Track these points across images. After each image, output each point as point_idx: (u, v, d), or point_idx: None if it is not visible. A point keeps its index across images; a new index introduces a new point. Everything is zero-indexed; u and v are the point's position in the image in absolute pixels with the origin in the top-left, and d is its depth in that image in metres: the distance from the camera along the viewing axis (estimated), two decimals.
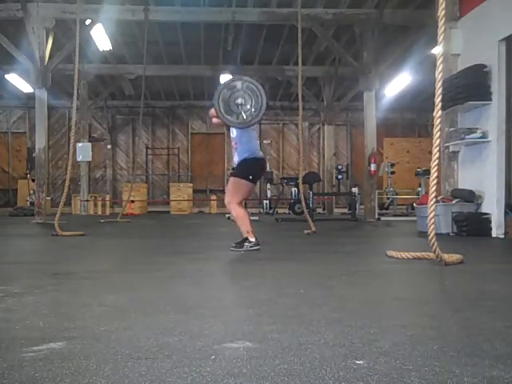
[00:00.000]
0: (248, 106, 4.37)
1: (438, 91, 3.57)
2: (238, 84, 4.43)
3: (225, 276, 3.50)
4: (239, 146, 4.77)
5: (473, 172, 6.80)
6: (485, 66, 6.32)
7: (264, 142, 16.52)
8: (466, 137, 6.59)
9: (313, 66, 14.00)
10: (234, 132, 4.79)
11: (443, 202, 6.76)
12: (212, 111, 4.75)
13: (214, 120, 4.81)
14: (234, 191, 4.83)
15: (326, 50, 12.75)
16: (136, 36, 11.79)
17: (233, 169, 5.02)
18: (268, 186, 15.18)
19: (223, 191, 18.16)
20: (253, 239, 4.71)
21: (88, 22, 10.16)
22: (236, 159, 4.85)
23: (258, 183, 17.57)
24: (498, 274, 3.52)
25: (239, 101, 4.38)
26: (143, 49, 10.60)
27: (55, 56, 10.46)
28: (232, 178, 4.88)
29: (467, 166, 6.95)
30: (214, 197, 17.08)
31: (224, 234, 7.53)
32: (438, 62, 3.60)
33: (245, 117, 4.37)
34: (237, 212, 4.78)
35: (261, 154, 4.90)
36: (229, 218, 11.55)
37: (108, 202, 15.71)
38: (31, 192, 14.29)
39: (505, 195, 6.44)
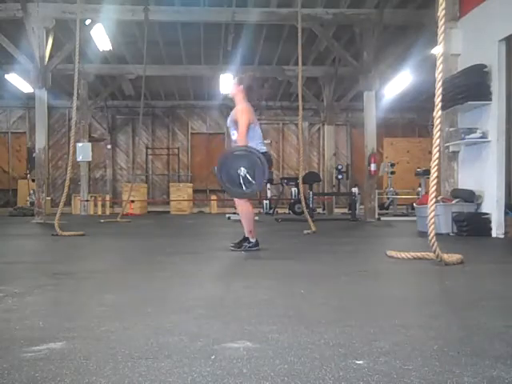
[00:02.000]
0: (249, 177, 4.34)
1: (438, 91, 3.58)
2: (241, 154, 4.41)
3: (225, 276, 3.50)
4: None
5: (473, 172, 6.80)
6: (485, 66, 6.32)
7: (264, 141, 16.50)
8: (466, 137, 6.59)
9: (313, 66, 14.00)
10: (234, 134, 4.77)
11: (443, 201, 6.76)
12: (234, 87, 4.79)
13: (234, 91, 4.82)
14: None
15: (326, 50, 12.75)
16: (136, 36, 11.79)
17: None
18: (268, 186, 15.17)
19: (223, 191, 18.20)
20: (253, 240, 4.72)
21: (88, 22, 10.16)
22: None
23: None
24: (498, 273, 3.52)
25: (242, 172, 4.35)
26: (143, 49, 10.60)
27: (55, 56, 10.46)
28: None
29: (467, 166, 6.95)
30: (214, 197, 17.08)
31: (224, 233, 7.53)
32: (438, 62, 3.60)
33: (244, 188, 4.35)
34: (242, 208, 4.76)
35: (264, 148, 4.83)
36: (229, 217, 11.56)
37: (108, 202, 15.71)
38: (31, 192, 14.29)
39: (505, 195, 6.44)
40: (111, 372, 1.43)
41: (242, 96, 4.80)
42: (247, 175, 4.31)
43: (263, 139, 4.99)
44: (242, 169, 4.33)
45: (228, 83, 4.79)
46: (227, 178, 4.39)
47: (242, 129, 4.62)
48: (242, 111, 4.71)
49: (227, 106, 18.37)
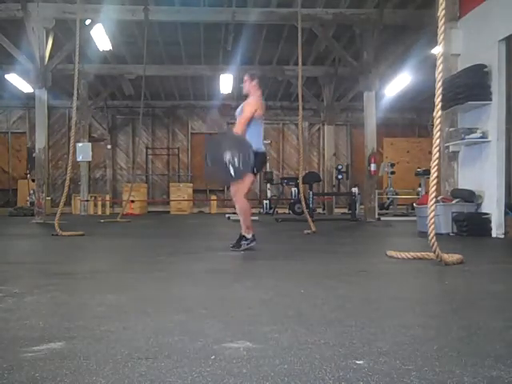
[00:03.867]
0: (236, 160, 4.40)
1: (438, 91, 3.58)
2: (223, 140, 4.48)
3: (225, 276, 3.50)
4: None
5: (473, 172, 6.80)
6: (485, 66, 6.32)
7: (264, 142, 16.50)
8: (466, 137, 6.59)
9: (313, 66, 14.00)
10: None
11: (443, 201, 6.76)
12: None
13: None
14: (239, 183, 4.89)
15: (326, 50, 12.75)
16: (136, 36, 11.79)
17: None
18: (268, 185, 15.17)
19: (223, 191, 18.21)
20: (249, 236, 4.75)
21: (88, 22, 10.16)
22: None
23: (258, 183, 17.62)
24: (498, 273, 3.52)
25: (227, 157, 4.40)
26: (143, 49, 10.61)
27: (55, 56, 10.47)
28: None
29: (467, 166, 6.95)
30: (213, 197, 17.08)
31: (224, 234, 7.53)
32: (438, 62, 3.60)
33: (233, 173, 4.41)
34: (241, 204, 4.84)
35: (262, 148, 4.97)
36: (229, 217, 11.55)
37: (108, 202, 15.71)
38: (31, 192, 14.29)
39: (505, 195, 6.44)
40: (111, 372, 1.43)
41: (255, 90, 5.00)
42: (232, 159, 4.37)
43: (264, 139, 5.08)
44: (228, 153, 4.38)
45: (241, 83, 4.96)
46: (214, 164, 4.47)
47: (242, 118, 4.79)
48: (249, 103, 4.90)
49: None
